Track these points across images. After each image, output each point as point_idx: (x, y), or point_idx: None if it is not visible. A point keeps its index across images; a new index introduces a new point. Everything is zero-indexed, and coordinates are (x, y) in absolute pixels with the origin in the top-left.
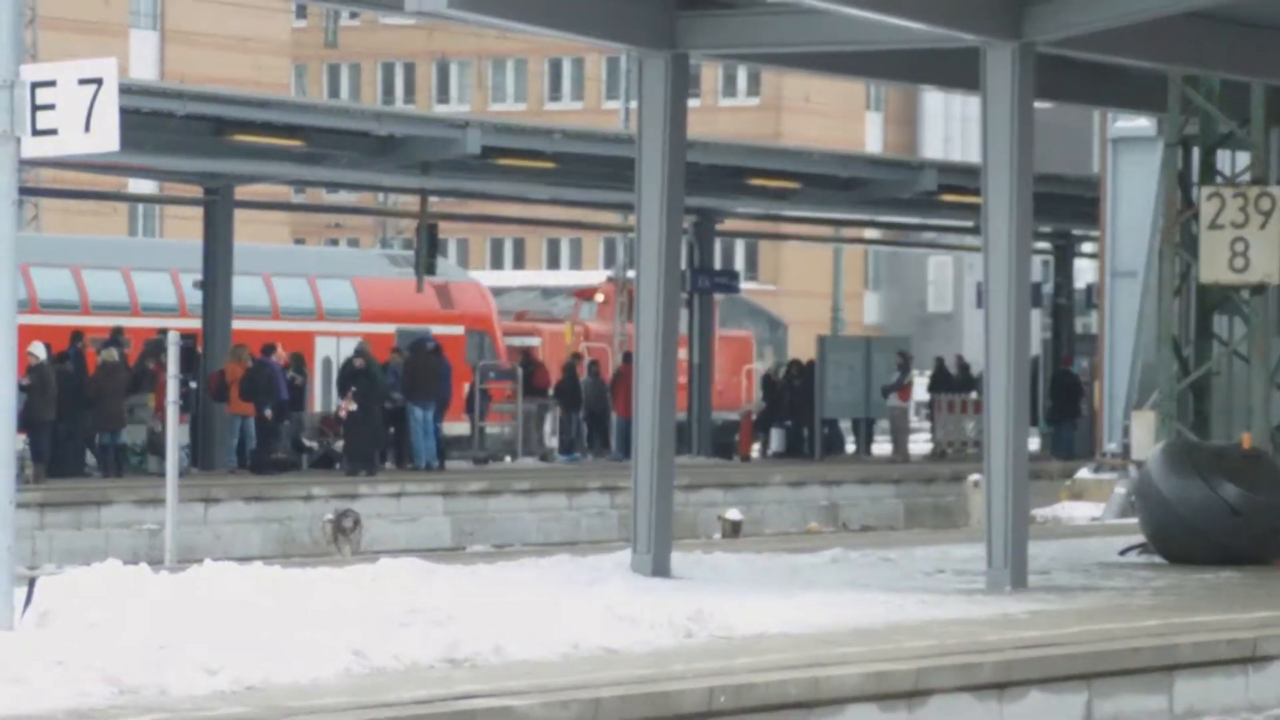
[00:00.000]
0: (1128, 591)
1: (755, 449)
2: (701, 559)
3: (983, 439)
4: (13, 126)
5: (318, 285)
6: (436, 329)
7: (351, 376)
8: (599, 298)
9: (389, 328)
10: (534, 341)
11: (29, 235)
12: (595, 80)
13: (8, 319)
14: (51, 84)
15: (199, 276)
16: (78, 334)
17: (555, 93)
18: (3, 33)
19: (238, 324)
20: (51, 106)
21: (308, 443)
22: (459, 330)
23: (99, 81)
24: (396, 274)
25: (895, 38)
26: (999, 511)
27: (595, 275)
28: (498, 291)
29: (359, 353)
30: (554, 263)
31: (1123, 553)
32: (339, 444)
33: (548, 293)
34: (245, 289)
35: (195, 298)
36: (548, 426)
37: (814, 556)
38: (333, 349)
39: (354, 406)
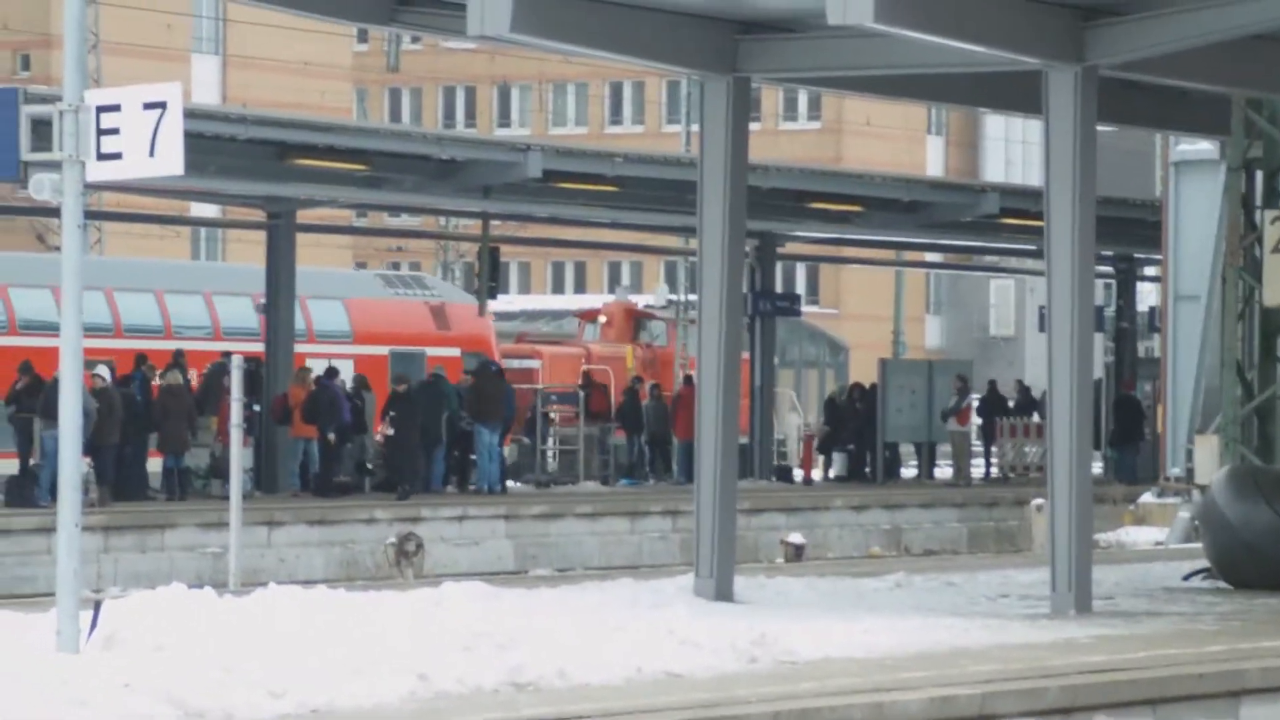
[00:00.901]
0: (1193, 616)
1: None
2: (764, 583)
3: (1045, 463)
4: (78, 150)
5: (308, 306)
6: (432, 351)
7: (389, 401)
8: (601, 319)
9: (382, 350)
10: (534, 364)
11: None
12: (655, 104)
13: (74, 342)
14: (116, 108)
15: (263, 299)
16: (141, 357)
17: (616, 116)
18: (67, 58)
19: (225, 345)
20: (116, 131)
21: (370, 466)
22: (455, 352)
23: (163, 105)
24: (391, 295)
25: (957, 61)
26: (1063, 536)
27: (656, 299)
28: (557, 314)
29: (400, 378)
30: (615, 287)
31: (1187, 578)
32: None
33: None
34: (233, 309)
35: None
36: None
37: (877, 581)
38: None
39: (390, 431)
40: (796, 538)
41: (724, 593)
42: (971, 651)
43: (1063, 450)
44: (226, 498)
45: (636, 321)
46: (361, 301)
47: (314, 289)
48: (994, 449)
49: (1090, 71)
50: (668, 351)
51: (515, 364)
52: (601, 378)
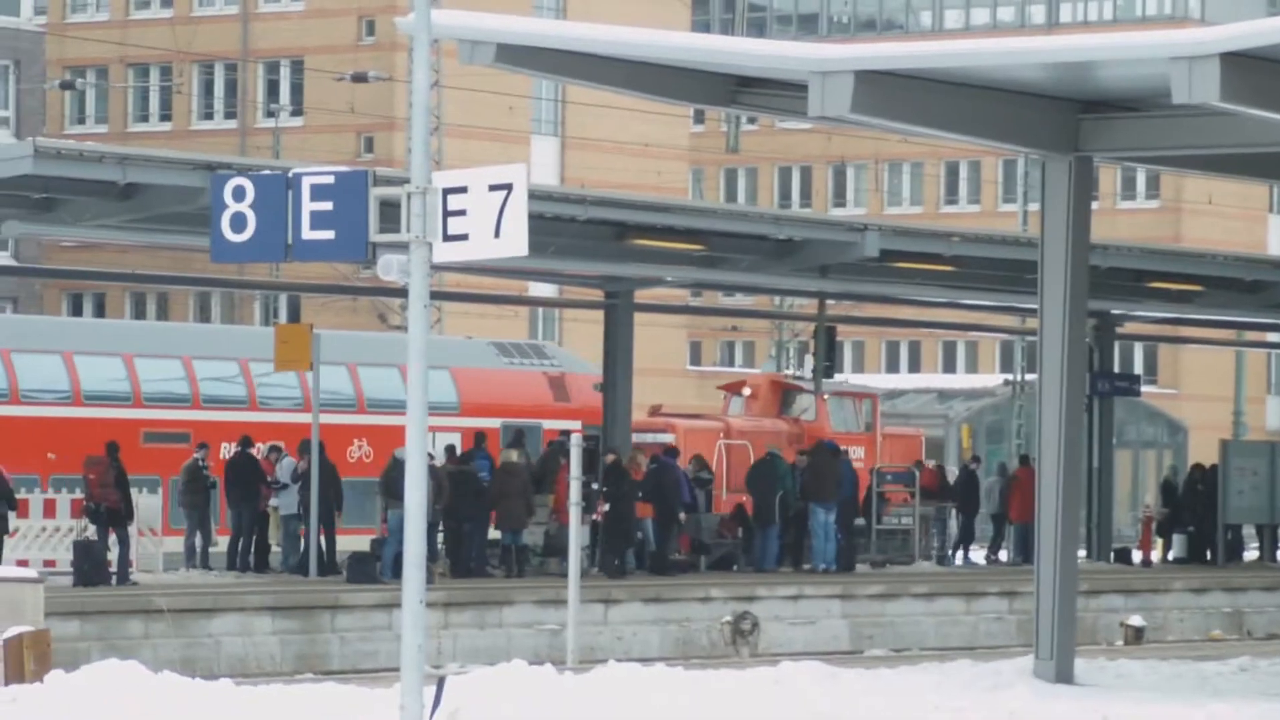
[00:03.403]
0: None
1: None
2: (1105, 665)
3: None
4: (425, 232)
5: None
6: (549, 423)
7: (604, 475)
8: (746, 391)
9: (493, 422)
10: (668, 438)
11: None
12: (991, 183)
13: (419, 420)
14: (463, 190)
15: (600, 379)
16: (481, 435)
17: (951, 195)
18: (414, 141)
19: (323, 417)
20: (462, 212)
21: (707, 543)
22: (575, 425)
23: (508, 187)
24: (504, 364)
25: None
26: None
27: (991, 379)
28: (893, 394)
29: (611, 449)
30: (949, 366)
31: None
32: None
33: (944, 396)
34: (327, 381)
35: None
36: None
37: (1220, 664)
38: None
39: (606, 507)
40: (1137, 620)
41: (1064, 675)
42: None
43: None
44: (564, 575)
45: (784, 394)
46: (471, 371)
47: None
48: None
49: None
50: (815, 426)
51: (648, 438)
52: (740, 453)
